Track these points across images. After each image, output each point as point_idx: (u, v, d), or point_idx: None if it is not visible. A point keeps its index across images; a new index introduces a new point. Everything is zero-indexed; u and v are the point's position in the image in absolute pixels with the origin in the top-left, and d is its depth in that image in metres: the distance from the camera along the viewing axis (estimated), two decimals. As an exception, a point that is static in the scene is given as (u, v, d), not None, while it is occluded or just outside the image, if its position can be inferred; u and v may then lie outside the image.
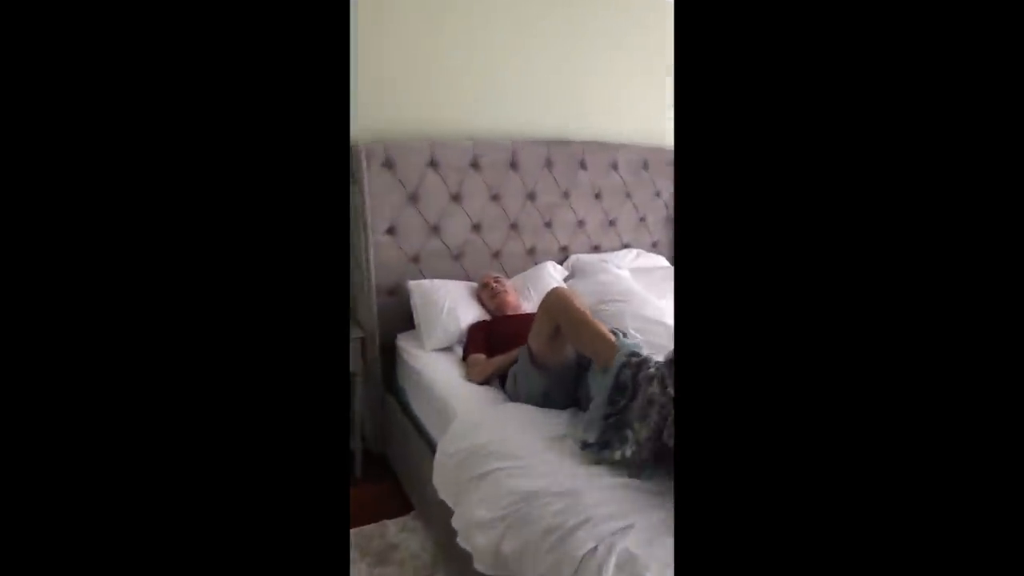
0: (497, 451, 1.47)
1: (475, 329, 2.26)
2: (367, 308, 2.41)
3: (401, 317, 2.46)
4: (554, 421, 1.63)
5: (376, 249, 2.43)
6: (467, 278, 2.60)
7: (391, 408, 2.39)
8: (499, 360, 2.01)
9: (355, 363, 2.33)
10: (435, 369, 2.14)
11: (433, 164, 2.51)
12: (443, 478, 1.61)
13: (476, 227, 2.64)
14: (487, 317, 2.39)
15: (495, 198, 2.66)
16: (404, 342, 2.40)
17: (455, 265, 2.61)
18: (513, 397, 1.84)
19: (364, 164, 2.36)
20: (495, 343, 2.15)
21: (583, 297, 2.18)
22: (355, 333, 2.37)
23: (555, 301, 1.70)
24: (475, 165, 2.59)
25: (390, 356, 2.47)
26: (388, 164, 2.43)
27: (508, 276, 2.67)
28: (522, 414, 1.67)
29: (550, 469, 1.37)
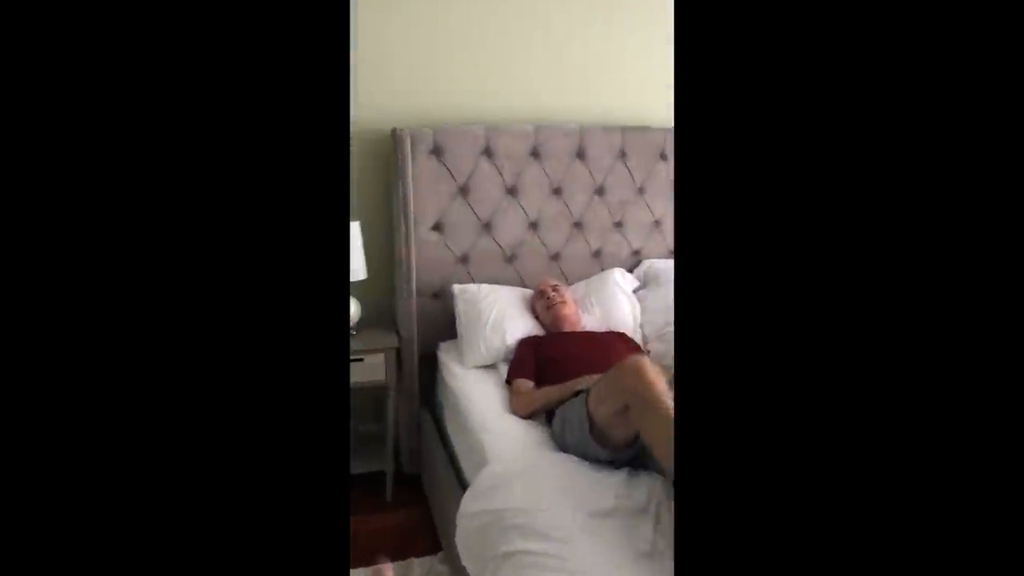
0: (526, 524, 1.17)
1: (523, 346, 1.95)
2: (406, 313, 2.15)
3: (446, 323, 2.20)
4: (605, 484, 1.30)
5: (420, 247, 2.16)
6: (522, 283, 2.29)
7: (427, 426, 2.13)
8: (549, 393, 1.69)
9: (390, 373, 2.09)
10: (472, 391, 1.86)
11: (487, 152, 2.20)
12: (464, 542, 1.32)
13: (534, 225, 2.32)
14: (540, 332, 2.07)
15: (557, 192, 2.32)
16: (445, 354, 2.13)
17: (508, 268, 2.30)
18: (560, 445, 1.52)
19: (408, 151, 2.08)
20: (545, 366, 1.84)
21: (659, 360, 1.82)
22: (391, 341, 2.12)
23: (630, 377, 1.33)
24: (535, 154, 2.26)
25: (431, 367, 2.21)
26: (436, 151, 2.14)
27: (568, 283, 2.33)
28: (566, 473, 1.35)
29: (588, 563, 1.05)
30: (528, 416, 1.70)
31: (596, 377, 1.63)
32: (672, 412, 1.24)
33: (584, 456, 1.42)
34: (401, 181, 2.10)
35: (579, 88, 2.34)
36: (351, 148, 2.14)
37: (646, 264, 2.44)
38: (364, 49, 2.09)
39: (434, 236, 2.19)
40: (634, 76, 2.37)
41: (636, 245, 2.46)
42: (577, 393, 1.62)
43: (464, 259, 2.25)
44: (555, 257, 2.37)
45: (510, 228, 2.28)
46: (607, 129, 2.32)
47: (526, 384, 1.80)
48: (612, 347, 1.89)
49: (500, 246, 2.28)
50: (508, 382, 1.86)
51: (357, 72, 2.09)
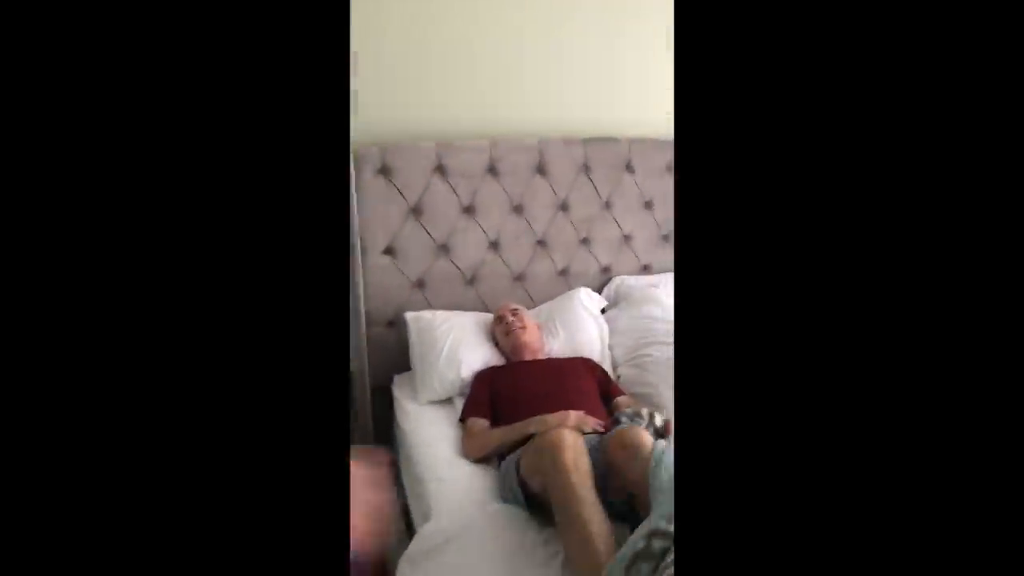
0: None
1: (477, 381, 1.81)
2: (354, 345, 2.01)
3: (402, 354, 2.06)
4: (549, 550, 1.16)
5: (372, 272, 2.03)
6: (484, 308, 2.15)
7: (382, 466, 1.99)
8: (502, 435, 1.55)
9: (339, 412, 1.94)
10: (424, 432, 1.72)
11: (440, 170, 2.07)
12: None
13: (494, 245, 2.18)
14: (500, 360, 1.93)
15: (517, 210, 2.19)
16: (399, 388, 1.99)
17: (468, 292, 2.17)
18: (504, 496, 1.38)
19: (353, 172, 1.95)
20: (501, 400, 1.70)
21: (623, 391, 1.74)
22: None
23: (547, 459, 1.19)
24: (492, 170, 2.13)
25: (387, 401, 2.07)
26: (385, 171, 2.01)
27: (535, 304, 2.20)
28: (507, 534, 1.21)
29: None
30: (481, 460, 1.56)
31: (551, 418, 1.49)
32: (588, 519, 1.11)
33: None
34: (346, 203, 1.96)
35: (538, 99, 2.21)
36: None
37: (617, 281, 2.30)
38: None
39: (385, 260, 2.06)
40: (597, 85, 2.24)
41: (605, 261, 2.33)
42: (529, 437, 1.48)
43: (420, 284, 2.11)
44: (519, 278, 2.23)
45: (468, 249, 2.14)
46: (568, 142, 2.19)
47: (479, 424, 1.66)
48: (575, 377, 1.75)
49: (459, 268, 2.14)
50: (461, 421, 1.72)
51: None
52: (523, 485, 1.31)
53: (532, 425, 1.50)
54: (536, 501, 1.28)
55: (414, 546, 1.24)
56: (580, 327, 2.01)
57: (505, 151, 2.12)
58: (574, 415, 1.49)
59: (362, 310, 2.01)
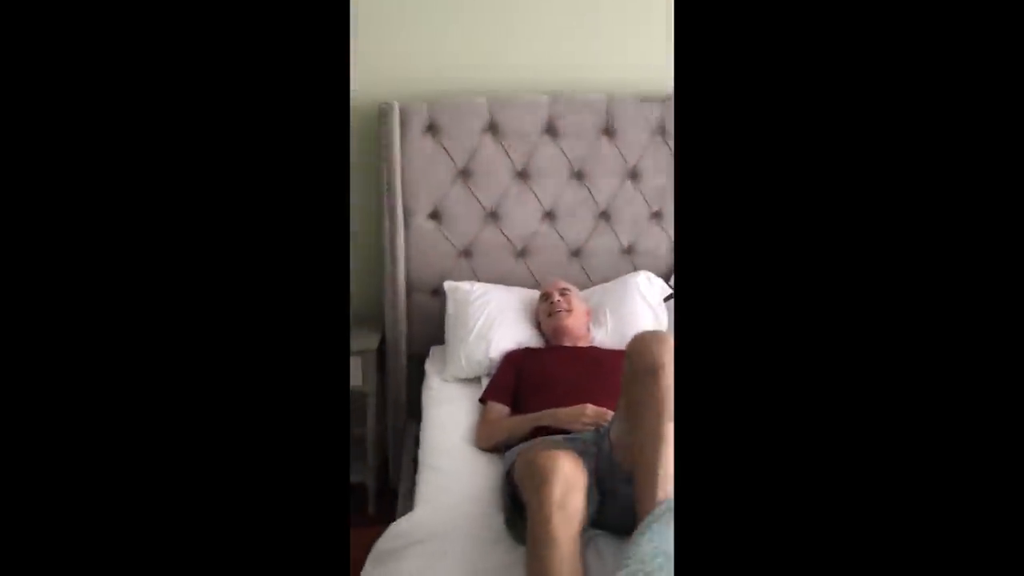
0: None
1: (506, 362, 1.64)
2: (392, 311, 1.92)
3: (443, 325, 1.94)
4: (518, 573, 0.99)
5: (416, 237, 1.91)
6: (535, 284, 1.97)
7: (411, 441, 1.90)
8: (511, 426, 1.39)
9: (368, 379, 1.87)
10: (438, 412, 1.59)
11: (492, 129, 1.89)
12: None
13: (549, 215, 1.98)
14: (538, 343, 1.75)
15: (578, 176, 1.96)
16: (431, 361, 1.87)
17: (519, 265, 1.99)
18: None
19: (396, 129, 1.82)
20: (524, 386, 1.52)
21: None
22: (371, 342, 1.89)
23: (534, 479, 1.03)
24: (551, 130, 1.92)
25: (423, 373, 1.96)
26: (432, 129, 1.87)
27: (593, 284, 1.98)
28: (479, 548, 1.05)
29: None
30: (490, 449, 1.40)
31: (563, 412, 1.30)
32: (558, 570, 0.94)
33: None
34: (386, 163, 1.84)
35: (607, 50, 1.94)
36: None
37: (690, 264, 2.01)
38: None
39: (431, 225, 1.93)
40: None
41: (679, 241, 2.04)
42: (537, 431, 1.30)
43: (466, 253, 1.97)
44: (576, 253, 2.01)
45: (521, 218, 1.96)
46: (643, 100, 1.91)
47: (498, 409, 1.50)
48: (612, 372, 1.52)
49: (508, 239, 1.96)
50: (481, 402, 1.57)
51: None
52: (514, 488, 1.14)
53: (544, 418, 1.32)
54: (523, 512, 1.10)
55: (381, 543, 1.11)
56: (633, 316, 1.77)
57: (566, 108, 1.90)
58: (592, 410, 1.29)
59: (400, 276, 1.90)
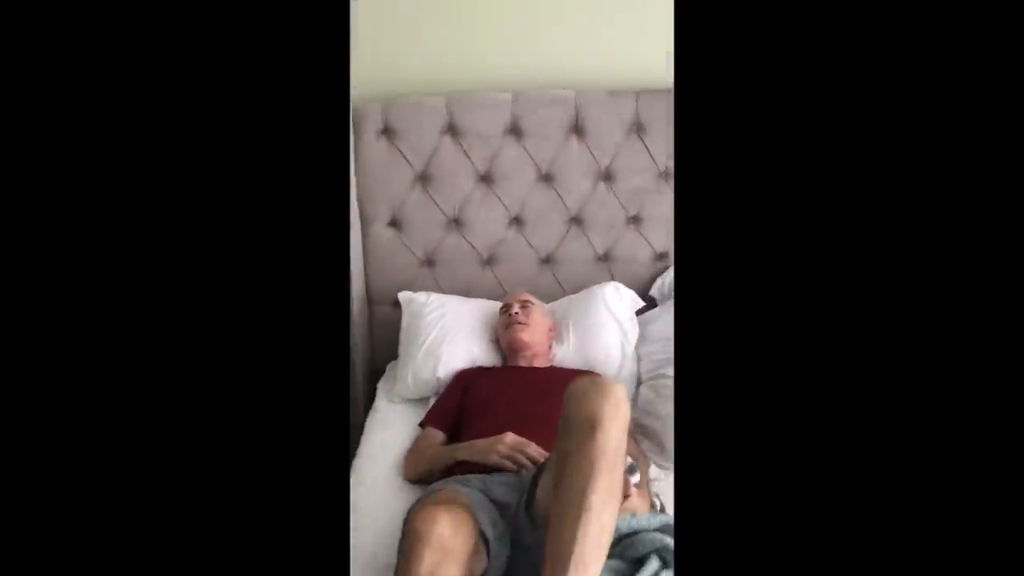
0: None
1: (456, 382, 1.52)
2: (351, 324, 1.81)
3: (405, 339, 1.82)
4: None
5: (375, 245, 1.81)
6: (504, 295, 1.83)
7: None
8: (432, 457, 1.26)
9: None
10: (375, 439, 1.47)
11: (452, 130, 1.77)
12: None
13: (516, 221, 1.84)
14: (495, 361, 1.61)
15: (547, 179, 1.82)
16: (384, 380, 1.76)
17: (485, 274, 1.86)
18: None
19: (352, 132, 1.73)
20: (468, 410, 1.39)
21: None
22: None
23: (405, 541, 0.92)
24: (515, 131, 1.78)
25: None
26: (388, 131, 1.76)
27: (567, 293, 1.83)
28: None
29: None
30: (416, 481, 1.28)
31: (481, 444, 1.16)
32: None
33: None
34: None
35: (574, 40, 1.79)
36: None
37: (672, 274, 1.84)
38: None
39: (390, 233, 1.82)
40: (651, 19, 1.76)
41: (660, 247, 1.87)
42: (449, 469, 1.16)
43: (428, 262, 1.85)
44: (547, 261, 1.87)
45: (486, 224, 1.83)
46: (614, 94, 1.76)
47: (432, 436, 1.37)
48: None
49: (473, 247, 1.84)
50: (421, 427, 1.44)
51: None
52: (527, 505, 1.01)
53: (461, 451, 1.18)
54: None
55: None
56: (597, 332, 1.61)
57: (531, 106, 1.76)
58: (511, 440, 1.15)
59: (356, 288, 1.80)
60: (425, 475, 1.26)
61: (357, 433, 1.54)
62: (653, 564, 0.90)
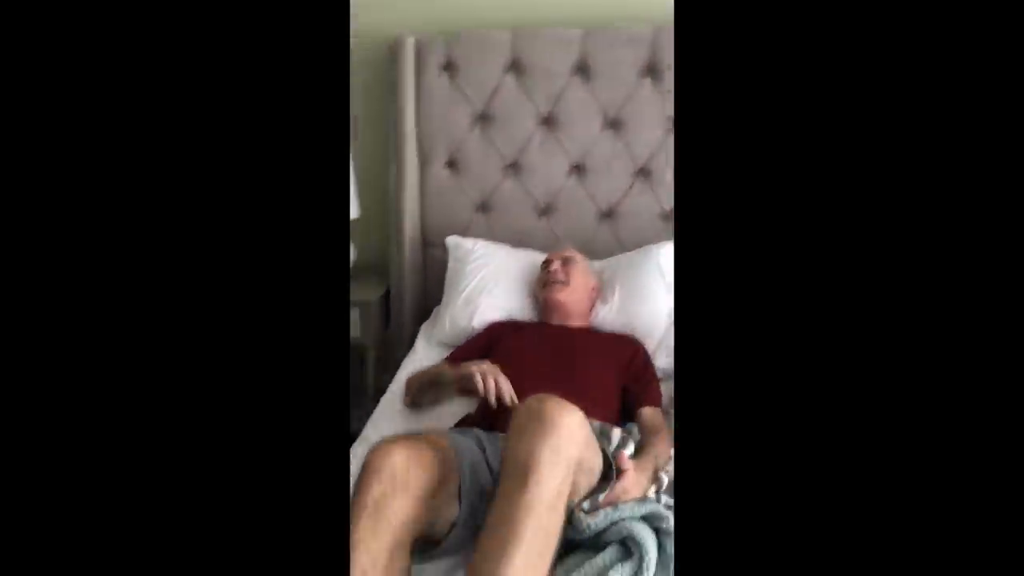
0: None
1: (486, 331, 1.48)
2: (398, 265, 1.82)
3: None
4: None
5: (432, 186, 1.78)
6: (559, 246, 1.75)
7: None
8: (427, 371, 1.29)
9: (368, 333, 1.81)
10: (406, 374, 1.47)
11: (515, 67, 1.67)
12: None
13: (578, 168, 1.73)
14: (532, 316, 1.55)
15: (614, 125, 1.68)
16: (429, 322, 1.75)
17: (540, 224, 1.78)
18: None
19: (412, 66, 1.68)
20: (496, 363, 1.35)
21: None
22: (372, 294, 1.82)
23: (361, 473, 0.86)
24: (582, 70, 1.65)
25: (429, 332, 1.86)
26: (449, 67, 1.69)
27: (626, 250, 1.71)
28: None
29: None
30: (412, 405, 1.29)
31: (484, 369, 1.11)
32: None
33: None
34: (396, 105, 1.71)
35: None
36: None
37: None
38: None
39: (447, 174, 1.78)
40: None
41: (736, 208, 1.68)
42: (462, 420, 1.14)
43: (484, 207, 1.80)
44: (608, 215, 1.75)
45: (546, 170, 1.73)
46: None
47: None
48: (591, 359, 1.30)
49: (531, 194, 1.76)
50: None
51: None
52: None
53: (444, 369, 1.19)
54: None
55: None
56: (645, 295, 1.49)
57: (602, 44, 1.61)
58: (488, 366, 1.10)
59: (408, 228, 1.79)
60: (417, 396, 1.28)
61: (395, 369, 1.57)
62: (609, 553, 0.83)
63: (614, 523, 0.86)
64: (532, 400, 0.84)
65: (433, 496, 0.85)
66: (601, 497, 0.89)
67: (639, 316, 1.47)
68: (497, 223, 1.79)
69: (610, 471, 0.93)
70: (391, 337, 1.89)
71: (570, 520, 0.87)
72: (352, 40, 1.78)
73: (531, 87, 1.67)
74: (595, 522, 0.85)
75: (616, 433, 1.00)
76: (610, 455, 0.96)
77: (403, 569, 0.82)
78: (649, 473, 1.00)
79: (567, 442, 0.79)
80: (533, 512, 0.76)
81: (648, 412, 1.23)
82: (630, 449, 0.98)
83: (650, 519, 0.89)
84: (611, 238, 1.75)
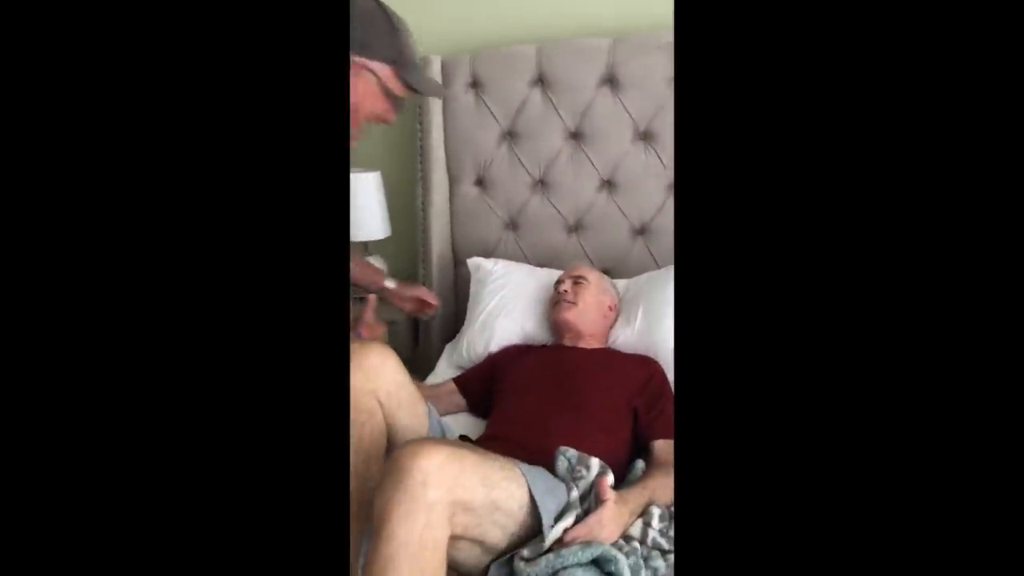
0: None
1: (497, 355, 1.42)
2: (427, 283, 1.80)
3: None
4: None
5: (462, 204, 1.76)
6: (591, 264, 1.67)
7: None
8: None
9: (398, 350, 1.79)
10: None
11: (541, 81, 1.62)
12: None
13: (608, 184, 1.65)
14: (548, 338, 1.48)
15: (645, 137, 1.59)
16: (452, 345, 1.71)
17: (570, 241, 1.71)
18: None
19: (441, 84, 1.67)
20: (504, 388, 1.29)
21: None
22: (395, 313, 1.81)
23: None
24: (611, 81, 1.57)
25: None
26: (476, 84, 1.67)
27: (659, 268, 1.61)
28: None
29: None
30: None
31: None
32: None
33: None
34: (422, 122, 1.70)
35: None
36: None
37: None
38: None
39: (475, 192, 1.75)
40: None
41: (782, 224, 1.54)
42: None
43: (512, 225, 1.75)
44: (640, 231, 1.66)
45: (575, 187, 1.67)
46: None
47: (448, 384, 1.36)
48: (598, 383, 1.21)
49: (559, 211, 1.69)
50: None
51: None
52: None
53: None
54: None
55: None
56: (665, 315, 1.38)
57: (629, 53, 1.53)
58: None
59: (434, 248, 1.77)
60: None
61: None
62: None
63: (556, 572, 0.77)
64: (397, 449, 0.78)
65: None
66: (560, 533, 0.81)
67: (659, 338, 1.36)
68: (526, 241, 1.74)
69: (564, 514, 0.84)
70: (420, 356, 1.87)
71: (512, 570, 0.79)
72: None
73: (557, 100, 1.62)
74: (535, 571, 0.77)
75: (595, 463, 0.92)
76: (590, 484, 0.87)
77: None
78: (635, 507, 0.90)
79: (421, 485, 0.73)
80: (393, 565, 0.70)
81: (660, 445, 1.12)
82: (611, 479, 0.89)
83: (600, 562, 0.79)
84: (646, 255, 1.65)
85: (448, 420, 1.24)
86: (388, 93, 1.00)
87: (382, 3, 0.98)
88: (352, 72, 0.94)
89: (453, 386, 1.36)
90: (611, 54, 1.55)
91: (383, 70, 0.98)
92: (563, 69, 1.59)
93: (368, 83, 0.97)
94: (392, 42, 0.97)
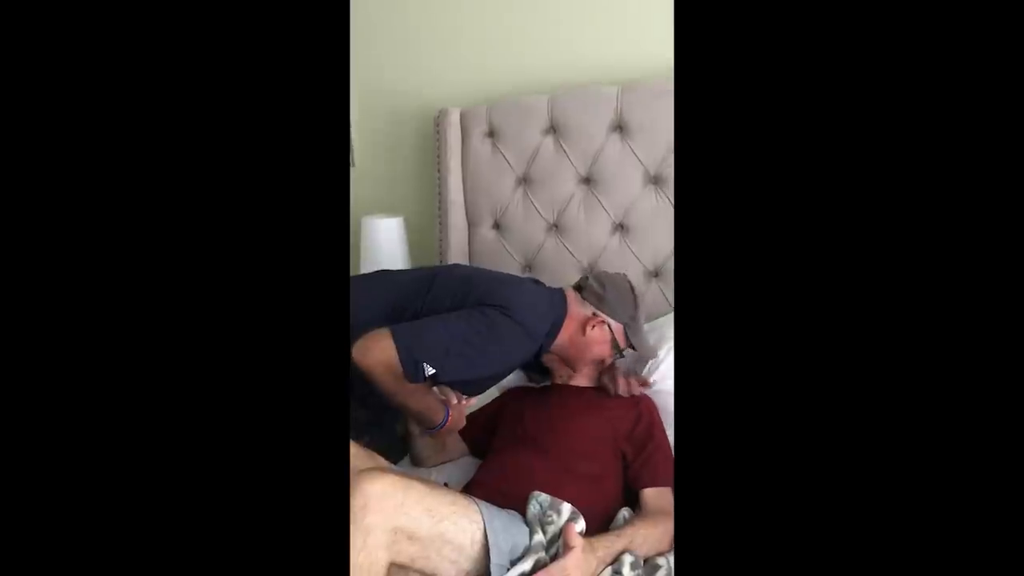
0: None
1: (495, 401, 1.43)
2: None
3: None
4: None
5: (480, 247, 1.81)
6: (604, 305, 1.68)
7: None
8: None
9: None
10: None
11: (554, 129, 1.67)
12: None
13: (621, 227, 1.66)
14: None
15: (655, 181, 1.60)
16: (468, 383, 1.74)
17: (585, 283, 1.72)
18: None
19: (458, 136, 1.75)
20: (498, 426, 1.30)
21: None
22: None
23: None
24: (620, 127, 1.61)
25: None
26: (492, 133, 1.74)
27: (671, 308, 1.60)
28: None
29: None
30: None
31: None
32: None
33: None
34: (440, 171, 1.78)
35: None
36: (394, 133, 1.92)
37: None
38: (397, 20, 1.81)
39: (492, 236, 1.80)
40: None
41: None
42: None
43: (528, 267, 1.78)
44: (655, 274, 1.65)
45: (588, 230, 1.69)
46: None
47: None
48: (586, 424, 1.20)
49: (571, 253, 1.72)
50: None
51: (396, 47, 1.84)
52: None
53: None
54: None
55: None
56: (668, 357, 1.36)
57: (637, 100, 1.57)
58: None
59: (452, 289, 1.82)
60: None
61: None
62: None
63: None
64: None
65: None
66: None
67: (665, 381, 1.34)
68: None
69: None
70: (439, 397, 1.90)
71: None
72: (402, 113, 1.92)
73: (569, 148, 1.66)
74: None
75: (566, 508, 0.91)
76: (559, 530, 0.87)
77: None
78: (605, 554, 0.88)
79: (361, 509, 0.74)
80: None
81: (650, 495, 1.09)
82: (581, 525, 0.88)
83: None
84: (660, 297, 1.65)
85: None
86: (615, 345, 1.29)
87: (631, 283, 1.35)
88: (595, 323, 1.27)
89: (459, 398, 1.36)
90: (619, 101, 1.59)
91: (618, 328, 1.28)
92: (574, 117, 1.64)
93: (605, 333, 1.27)
94: (630, 311, 1.30)
